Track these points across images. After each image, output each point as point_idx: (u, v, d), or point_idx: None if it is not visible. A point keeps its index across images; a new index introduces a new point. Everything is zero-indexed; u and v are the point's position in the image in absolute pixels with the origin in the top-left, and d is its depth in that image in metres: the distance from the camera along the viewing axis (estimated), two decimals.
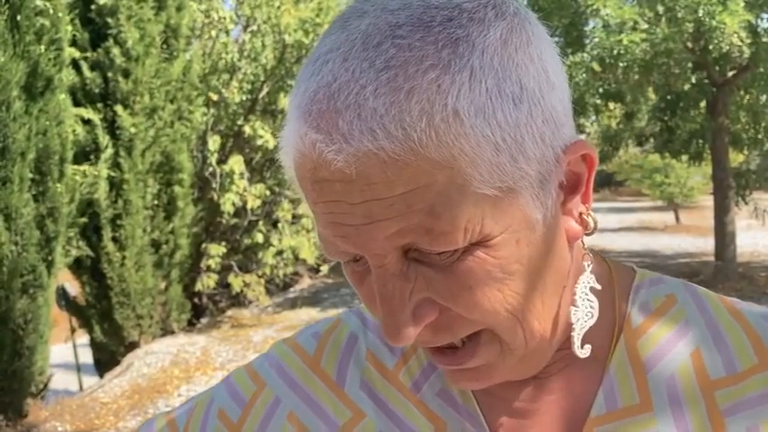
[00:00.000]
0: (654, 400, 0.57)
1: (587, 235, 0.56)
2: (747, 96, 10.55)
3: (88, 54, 7.96)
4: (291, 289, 12.57)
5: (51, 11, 5.84)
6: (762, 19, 9.33)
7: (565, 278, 0.55)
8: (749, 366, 0.57)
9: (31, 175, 5.73)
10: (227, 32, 10.15)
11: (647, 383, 0.58)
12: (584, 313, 0.56)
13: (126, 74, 7.91)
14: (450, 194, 0.46)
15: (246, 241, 10.33)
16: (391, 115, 0.45)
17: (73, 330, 8.80)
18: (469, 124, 0.46)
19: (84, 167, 7.59)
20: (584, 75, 9.21)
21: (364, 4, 0.50)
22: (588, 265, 0.58)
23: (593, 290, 0.57)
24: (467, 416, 0.60)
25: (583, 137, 0.54)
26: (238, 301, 10.88)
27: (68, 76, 6.54)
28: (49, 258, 6.07)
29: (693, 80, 9.93)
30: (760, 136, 10.93)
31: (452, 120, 0.46)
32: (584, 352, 0.56)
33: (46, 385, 6.54)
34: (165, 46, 8.30)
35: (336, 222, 0.49)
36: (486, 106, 0.47)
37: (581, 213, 0.55)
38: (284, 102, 10.09)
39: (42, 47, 5.75)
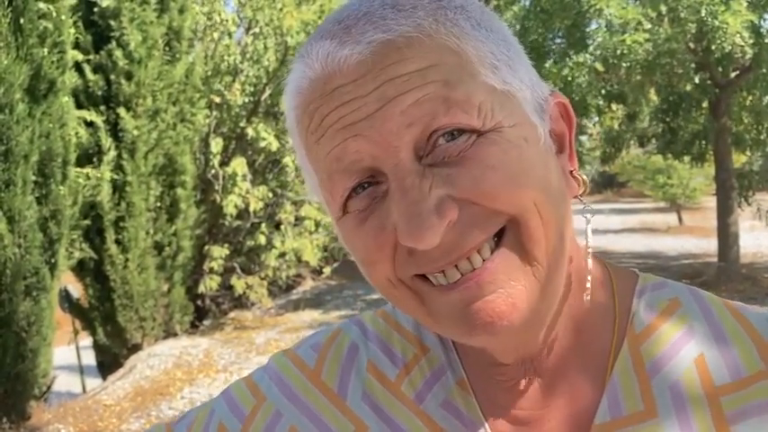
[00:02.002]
0: (659, 406, 0.56)
1: (580, 196, 0.58)
2: (750, 97, 10.50)
3: (91, 57, 7.97)
4: (294, 291, 12.55)
5: (54, 14, 5.84)
6: (765, 19, 9.28)
7: (569, 212, 0.56)
8: (755, 372, 0.56)
9: (34, 178, 5.73)
10: (230, 35, 10.15)
11: (652, 389, 0.57)
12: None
13: (128, 76, 7.91)
14: (462, 76, 0.50)
15: (249, 243, 10.33)
16: (401, 16, 0.50)
17: (76, 332, 8.79)
18: (470, 33, 0.52)
19: (87, 170, 7.59)
20: (586, 76, 9.19)
21: None
22: (589, 217, 0.59)
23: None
24: (471, 426, 0.59)
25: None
26: (241, 302, 10.87)
27: (71, 78, 6.54)
28: (52, 261, 6.07)
29: (696, 81, 9.90)
30: (762, 137, 10.88)
31: (455, 26, 0.51)
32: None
33: (49, 387, 6.53)
34: (167, 48, 8.30)
35: (348, 124, 0.49)
36: (479, 33, 0.52)
37: (571, 171, 0.57)
38: None
39: (45, 50, 5.75)
